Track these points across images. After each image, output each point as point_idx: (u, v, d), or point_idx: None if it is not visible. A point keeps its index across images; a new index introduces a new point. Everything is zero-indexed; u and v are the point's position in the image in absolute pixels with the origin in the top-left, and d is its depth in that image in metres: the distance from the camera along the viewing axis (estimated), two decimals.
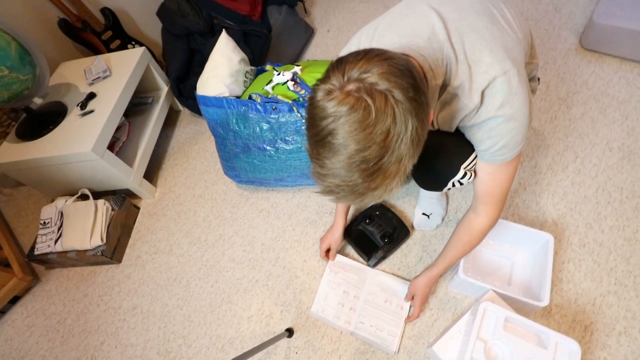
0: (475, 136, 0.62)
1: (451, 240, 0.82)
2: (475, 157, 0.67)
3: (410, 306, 0.94)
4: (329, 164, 0.47)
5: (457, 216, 1.08)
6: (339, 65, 0.46)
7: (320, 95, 0.46)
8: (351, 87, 0.44)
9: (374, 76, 0.44)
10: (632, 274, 0.89)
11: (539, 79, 0.94)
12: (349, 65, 0.45)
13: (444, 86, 0.60)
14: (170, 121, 1.63)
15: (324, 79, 0.47)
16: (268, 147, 1.07)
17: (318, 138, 0.47)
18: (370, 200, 0.53)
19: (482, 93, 0.56)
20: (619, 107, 1.18)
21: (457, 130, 0.67)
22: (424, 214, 1.06)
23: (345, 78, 0.45)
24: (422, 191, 1.08)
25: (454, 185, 0.73)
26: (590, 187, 1.05)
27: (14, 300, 1.23)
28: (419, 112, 0.46)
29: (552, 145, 1.16)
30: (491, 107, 0.57)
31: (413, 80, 0.47)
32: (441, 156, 0.70)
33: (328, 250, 1.03)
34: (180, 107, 1.67)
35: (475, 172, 0.69)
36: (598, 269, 0.92)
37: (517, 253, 0.95)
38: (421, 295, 0.89)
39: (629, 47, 1.25)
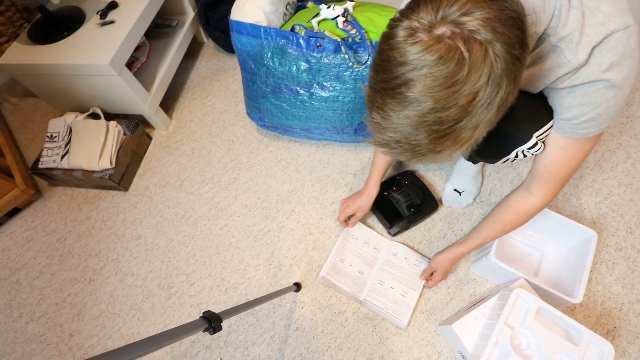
0: (562, 101, 0.53)
1: (490, 218, 0.75)
2: (551, 126, 0.58)
3: (424, 286, 0.89)
4: (394, 118, 0.40)
5: (490, 198, 1.01)
6: None
7: (401, 34, 0.38)
8: (444, 30, 0.36)
9: (476, 21, 0.35)
10: None
11: None
12: (447, 0, 0.36)
13: (543, 36, 0.50)
14: (192, 53, 1.52)
15: (409, 12, 0.38)
16: (302, 91, 0.97)
17: (388, 86, 0.39)
18: (427, 162, 0.46)
19: (592, 50, 0.46)
20: None
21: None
22: (455, 190, 0.99)
23: (439, 16, 0.36)
24: (458, 165, 1.00)
25: (516, 156, 0.65)
26: (638, 191, 0.98)
27: (13, 213, 1.18)
28: (517, 75, 0.39)
29: (604, 141, 1.07)
30: (596, 68, 0.47)
31: (521, 33, 0.38)
32: (512, 120, 0.61)
33: (349, 217, 0.96)
34: (205, 38, 1.54)
35: (544, 144, 0.61)
36: (631, 276, 0.87)
37: (550, 245, 0.89)
38: (442, 272, 0.84)
39: None
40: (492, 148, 0.69)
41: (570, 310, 0.84)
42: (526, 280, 0.76)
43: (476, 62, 0.36)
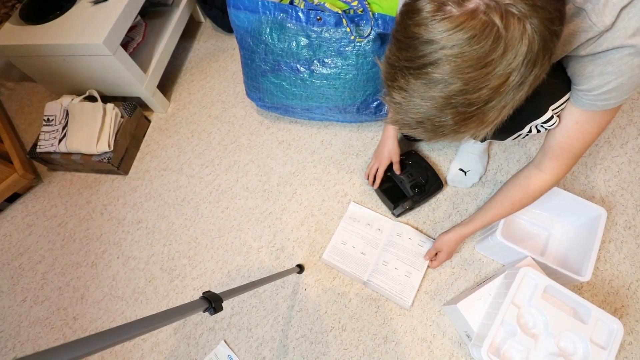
0: (582, 70, 0.50)
1: (498, 197, 0.73)
2: (568, 98, 0.55)
3: (428, 266, 0.88)
4: (417, 99, 0.38)
5: (496, 178, 0.99)
6: None
7: (427, 8, 0.34)
8: (478, 3, 0.32)
9: None
10: None
11: None
12: None
13: None
14: (189, 33, 1.47)
15: None
16: (302, 68, 0.94)
17: (412, 65, 0.36)
18: (447, 141, 0.44)
19: (620, 12, 0.43)
20: None
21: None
22: (461, 169, 0.97)
23: None
24: (464, 144, 0.97)
25: (530, 131, 0.62)
26: None
27: (13, 198, 1.17)
28: (553, 52, 0.36)
29: (615, 118, 1.04)
30: (622, 32, 0.44)
31: (561, 6, 0.35)
32: None
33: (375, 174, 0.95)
34: (202, 18, 1.49)
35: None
36: None
37: (557, 224, 0.87)
38: (447, 252, 0.83)
39: None
40: (504, 123, 0.66)
41: (577, 289, 0.83)
42: (533, 259, 0.74)
43: (513, 40, 0.32)
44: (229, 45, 1.41)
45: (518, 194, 0.69)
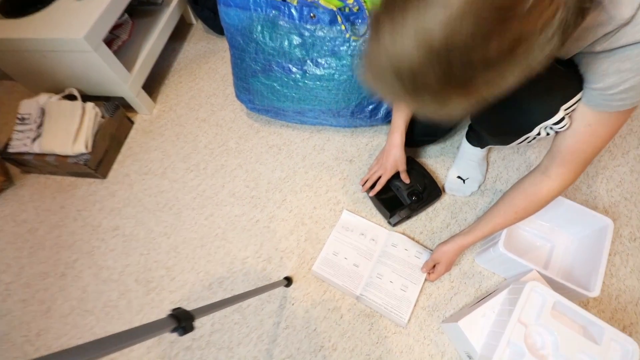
0: (598, 67, 0.46)
1: (500, 205, 0.68)
2: (580, 98, 0.51)
3: (425, 279, 0.82)
4: (399, 39, 0.30)
5: (495, 186, 0.94)
6: None
7: None
8: None
9: None
10: None
11: None
12: None
13: None
14: (180, 34, 1.43)
15: None
16: (294, 69, 0.89)
17: None
18: (416, 111, 0.37)
19: None
20: None
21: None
22: (459, 177, 0.92)
23: None
24: (462, 150, 0.93)
25: (538, 134, 0.58)
26: None
27: None
28: (570, 35, 0.32)
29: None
30: None
31: None
32: (536, 90, 0.54)
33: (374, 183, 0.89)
34: (193, 19, 1.45)
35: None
36: None
37: (561, 235, 0.83)
38: (446, 264, 0.77)
39: None
40: (512, 124, 0.62)
41: (583, 304, 0.78)
42: (539, 272, 0.69)
43: (543, 1, 0.28)
44: (221, 48, 1.37)
45: (523, 202, 0.64)
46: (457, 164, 0.94)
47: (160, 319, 0.42)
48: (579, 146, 0.54)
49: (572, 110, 0.53)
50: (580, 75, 0.50)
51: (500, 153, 0.99)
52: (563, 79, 0.51)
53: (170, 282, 0.90)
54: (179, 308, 0.45)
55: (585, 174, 0.94)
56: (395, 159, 0.86)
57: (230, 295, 0.64)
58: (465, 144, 0.91)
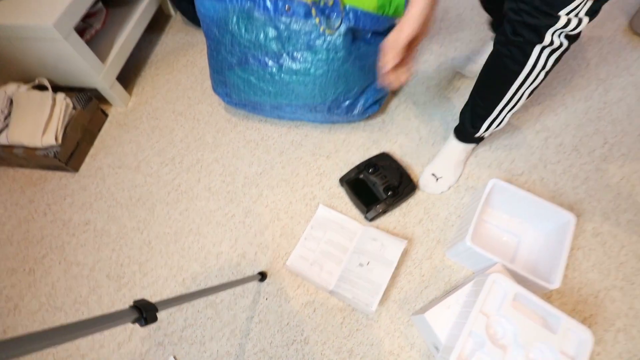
0: None
1: None
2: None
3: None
4: None
5: (467, 183, 0.96)
6: None
7: None
8: None
9: None
10: None
11: None
12: None
13: None
14: (158, 26, 1.40)
15: None
16: (270, 62, 0.89)
17: None
18: None
19: None
20: None
21: None
22: (433, 174, 0.94)
23: None
24: (444, 150, 0.95)
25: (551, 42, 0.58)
26: (614, 176, 0.96)
27: None
28: None
29: (582, 126, 1.05)
30: None
31: None
32: None
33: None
34: (172, 11, 1.43)
35: None
36: (607, 262, 0.85)
37: (527, 230, 0.85)
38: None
39: None
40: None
41: (547, 297, 0.81)
42: (504, 265, 0.71)
43: None
44: (199, 40, 1.34)
45: None
46: (435, 160, 0.95)
47: (122, 309, 0.42)
48: None
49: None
50: None
51: (474, 152, 1.01)
52: None
53: (142, 278, 0.88)
54: (142, 299, 0.45)
55: (552, 172, 0.97)
56: (404, 27, 0.55)
57: (204, 288, 0.63)
58: (450, 144, 0.93)
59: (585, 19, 0.55)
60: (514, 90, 0.70)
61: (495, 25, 1.00)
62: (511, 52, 0.64)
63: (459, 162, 0.94)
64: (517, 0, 0.57)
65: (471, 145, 0.93)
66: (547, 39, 0.58)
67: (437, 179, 0.94)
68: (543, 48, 0.60)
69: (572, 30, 0.56)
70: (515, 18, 0.59)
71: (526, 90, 0.70)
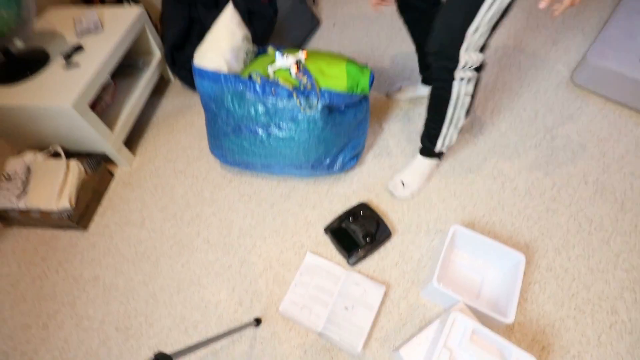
0: None
1: None
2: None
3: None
4: None
5: (437, 226, 1.10)
6: None
7: None
8: None
9: None
10: (591, 302, 0.94)
11: None
12: None
13: None
14: (159, 90, 1.57)
15: None
16: (260, 131, 1.04)
17: None
18: None
19: None
20: (598, 144, 1.24)
21: None
22: (402, 181, 1.13)
23: None
24: (411, 163, 1.15)
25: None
26: (563, 215, 1.10)
27: None
28: None
29: (533, 171, 1.20)
30: None
31: None
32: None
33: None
34: (172, 77, 1.60)
35: None
36: (561, 294, 0.97)
37: (489, 269, 0.98)
38: None
39: (614, 88, 1.31)
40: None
41: (509, 329, 0.92)
42: (465, 303, 0.83)
43: None
44: (196, 102, 1.51)
45: None
46: (404, 172, 1.15)
47: None
48: None
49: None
50: None
51: (441, 199, 1.15)
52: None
53: (148, 329, 0.97)
54: (160, 352, 0.55)
55: (509, 214, 1.11)
56: None
57: (204, 339, 0.73)
58: (417, 159, 1.15)
59: (480, 55, 0.82)
60: (451, 112, 0.95)
61: (424, 74, 1.33)
62: (441, 86, 0.91)
63: (423, 174, 1.15)
64: (430, 54, 0.85)
65: (434, 161, 1.15)
66: (458, 75, 0.84)
67: (403, 185, 1.12)
68: (461, 80, 0.86)
69: (473, 65, 0.82)
70: (434, 65, 0.87)
71: (461, 110, 0.95)
